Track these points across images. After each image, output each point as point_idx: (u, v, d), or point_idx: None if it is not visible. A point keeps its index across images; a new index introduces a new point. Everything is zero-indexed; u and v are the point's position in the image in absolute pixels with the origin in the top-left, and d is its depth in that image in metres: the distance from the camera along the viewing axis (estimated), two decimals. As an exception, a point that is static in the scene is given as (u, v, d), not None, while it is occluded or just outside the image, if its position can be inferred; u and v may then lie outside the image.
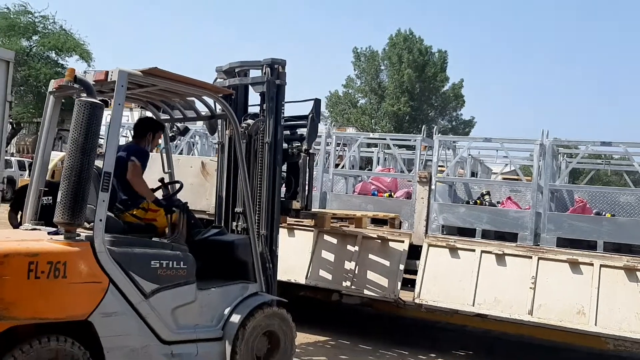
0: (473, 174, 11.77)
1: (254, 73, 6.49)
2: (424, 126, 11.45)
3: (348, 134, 12.14)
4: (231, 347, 5.13)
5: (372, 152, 13.19)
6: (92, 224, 4.47)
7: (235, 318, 5.23)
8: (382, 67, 45.52)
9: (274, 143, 6.13)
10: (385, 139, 11.49)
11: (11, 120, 28.56)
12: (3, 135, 7.76)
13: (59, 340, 4.19)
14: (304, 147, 6.48)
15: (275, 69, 6.24)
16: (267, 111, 6.15)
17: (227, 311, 5.25)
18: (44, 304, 4.16)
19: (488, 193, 9.02)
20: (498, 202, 8.81)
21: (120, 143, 5.88)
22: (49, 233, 4.47)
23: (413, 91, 43.11)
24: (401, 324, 8.78)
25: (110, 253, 4.48)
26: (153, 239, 5.04)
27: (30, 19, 29.35)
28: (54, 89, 5.19)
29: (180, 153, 12.51)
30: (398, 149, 12.09)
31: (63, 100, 5.38)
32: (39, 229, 4.75)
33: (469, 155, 11.15)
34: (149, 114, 6.28)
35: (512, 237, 7.72)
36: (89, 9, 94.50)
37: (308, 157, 6.56)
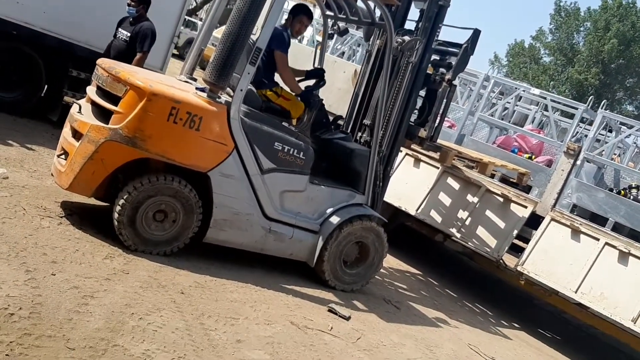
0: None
1: (421, -13, 6.23)
2: (591, 97, 10.51)
3: (508, 82, 11.45)
4: (323, 243, 5.43)
5: (530, 109, 12.44)
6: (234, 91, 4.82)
7: (335, 219, 5.48)
8: (582, 29, 41.06)
9: (418, 65, 5.95)
10: (545, 98, 10.73)
11: (208, -13, 30.16)
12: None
13: (180, 182, 4.71)
14: (448, 76, 6.24)
15: None
16: (421, 30, 5.97)
17: (329, 211, 5.51)
18: (175, 147, 4.64)
19: (637, 187, 8.26)
20: (645, 200, 8.06)
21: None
22: (196, 88, 4.87)
23: (609, 65, 38.61)
24: (500, 288, 8.61)
25: (241, 122, 4.84)
26: (283, 123, 5.30)
27: None
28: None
29: (340, 56, 12.66)
30: (557, 114, 11.28)
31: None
32: (190, 83, 5.16)
33: (634, 143, 10.16)
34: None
35: (646, 240, 7.10)
36: None
37: (449, 88, 6.33)
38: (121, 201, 4.55)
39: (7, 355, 2.91)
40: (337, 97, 8.55)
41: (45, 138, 6.66)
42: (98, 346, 3.26)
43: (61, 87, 7.21)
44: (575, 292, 6.61)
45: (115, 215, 4.56)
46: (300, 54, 8.61)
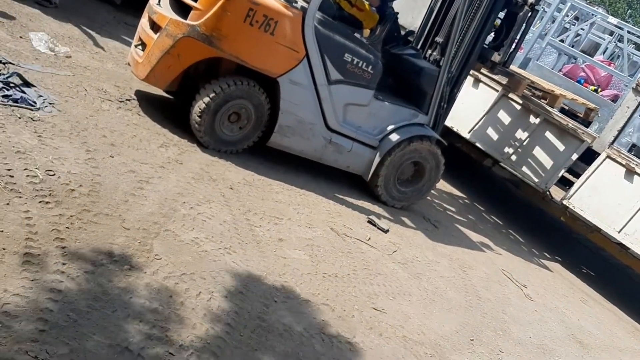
0: None
1: None
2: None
3: (586, 8, 10.74)
4: (380, 159, 5.47)
5: (603, 38, 11.71)
6: None
7: (395, 137, 5.48)
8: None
9: (502, -16, 5.64)
10: (622, 28, 10.04)
11: None
12: None
13: (254, 86, 4.78)
14: (532, 0, 5.90)
15: None
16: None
17: (390, 128, 5.50)
18: (249, 49, 4.66)
19: None
20: None
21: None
22: None
23: (698, 0, 35.33)
24: (542, 219, 8.56)
25: (315, 30, 4.79)
26: (355, 34, 5.18)
27: None
28: None
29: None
30: (631, 47, 10.61)
31: None
32: None
33: None
34: None
35: None
36: None
37: (530, 13, 6.00)
38: (218, 89, 4.65)
39: (67, 227, 3.11)
40: (400, 5, 8.20)
41: (108, 20, 6.70)
42: (151, 229, 3.45)
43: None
44: (619, 232, 6.53)
45: (206, 99, 4.65)
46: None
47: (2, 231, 2.85)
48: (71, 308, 2.62)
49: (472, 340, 4.21)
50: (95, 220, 3.28)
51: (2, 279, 2.58)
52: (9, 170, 3.30)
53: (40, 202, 3.19)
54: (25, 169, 3.38)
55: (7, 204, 3.05)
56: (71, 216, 3.21)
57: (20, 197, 3.15)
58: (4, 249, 2.74)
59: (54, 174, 3.47)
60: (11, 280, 2.60)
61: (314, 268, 3.98)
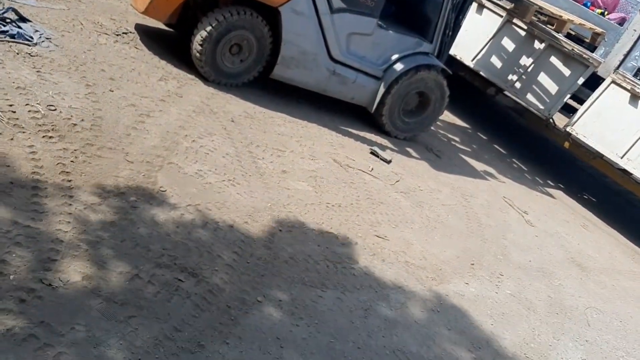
0: None
1: None
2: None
3: None
4: (385, 89, 5.43)
5: (612, -40, 11.29)
6: None
7: (399, 66, 5.41)
8: None
9: None
10: (633, -52, 9.65)
11: None
12: None
13: (257, 17, 4.68)
14: None
15: None
16: None
17: (394, 57, 5.43)
18: None
19: None
20: None
21: None
22: None
23: None
24: (546, 147, 8.56)
25: None
26: None
27: None
28: None
29: None
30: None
31: None
32: None
33: None
34: None
35: None
36: None
37: None
38: (220, 17, 4.57)
39: (72, 161, 3.15)
40: None
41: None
42: (154, 162, 3.48)
43: None
44: (621, 158, 6.53)
45: (208, 28, 4.58)
46: None
47: (9, 166, 2.88)
48: (81, 238, 2.69)
49: (473, 264, 4.31)
50: (98, 154, 3.31)
51: (11, 211, 2.64)
52: (10, 106, 3.30)
53: (43, 136, 3.21)
54: (27, 104, 3.38)
55: (12, 139, 3.07)
56: (75, 150, 3.23)
57: (23, 132, 3.17)
58: (11, 182, 2.79)
59: (56, 109, 3.47)
60: (20, 212, 2.66)
61: (317, 198, 4.04)
